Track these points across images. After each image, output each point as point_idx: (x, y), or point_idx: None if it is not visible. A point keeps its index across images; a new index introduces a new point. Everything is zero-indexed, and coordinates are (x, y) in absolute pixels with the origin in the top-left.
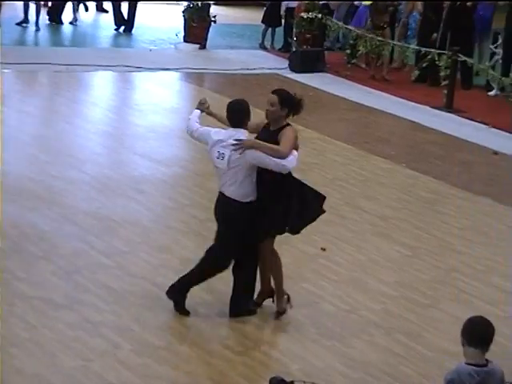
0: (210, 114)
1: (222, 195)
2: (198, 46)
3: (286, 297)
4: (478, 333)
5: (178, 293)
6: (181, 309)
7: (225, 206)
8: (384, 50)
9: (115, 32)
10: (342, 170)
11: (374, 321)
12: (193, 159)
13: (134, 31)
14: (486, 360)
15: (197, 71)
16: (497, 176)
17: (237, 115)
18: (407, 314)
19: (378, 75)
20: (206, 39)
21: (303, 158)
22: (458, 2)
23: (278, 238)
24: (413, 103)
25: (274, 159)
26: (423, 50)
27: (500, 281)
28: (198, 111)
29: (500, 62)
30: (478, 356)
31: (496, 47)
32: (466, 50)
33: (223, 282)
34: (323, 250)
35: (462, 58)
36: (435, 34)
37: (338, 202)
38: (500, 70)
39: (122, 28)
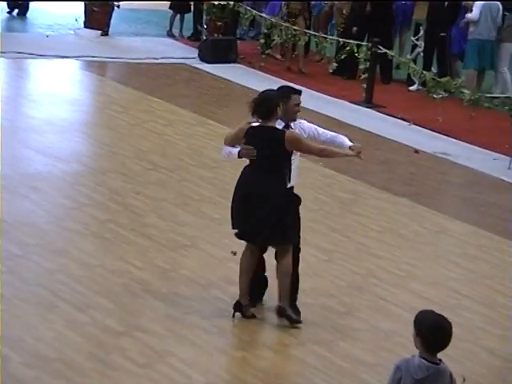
0: None
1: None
2: (99, 32)
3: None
4: (435, 341)
5: (291, 307)
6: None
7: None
8: (300, 40)
9: (8, 15)
10: None
11: (288, 330)
12: (94, 155)
13: (28, 15)
14: (439, 359)
15: (98, 60)
16: (417, 176)
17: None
18: (323, 323)
19: (293, 67)
20: (108, 25)
21: (214, 155)
22: None
23: (186, 240)
24: (330, 97)
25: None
26: (341, 40)
27: (419, 287)
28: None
29: (421, 54)
30: (430, 355)
31: (417, 39)
32: (385, 41)
33: (122, 286)
34: (234, 253)
35: (382, 50)
36: (355, 28)
37: None
38: (421, 63)
39: (16, 11)
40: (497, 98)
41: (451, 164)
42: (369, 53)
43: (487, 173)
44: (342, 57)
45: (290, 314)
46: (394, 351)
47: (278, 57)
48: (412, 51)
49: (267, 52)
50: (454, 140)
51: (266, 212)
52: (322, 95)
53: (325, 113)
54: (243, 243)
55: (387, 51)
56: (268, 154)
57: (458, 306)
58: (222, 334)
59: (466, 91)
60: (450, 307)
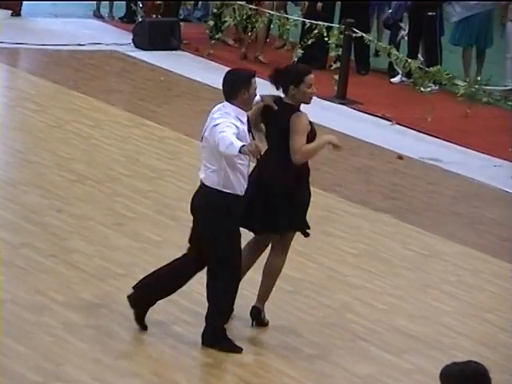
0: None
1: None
2: (9, 12)
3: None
4: None
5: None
6: None
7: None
8: (258, 21)
9: None
10: None
11: (241, 376)
12: (4, 164)
13: None
14: None
15: (8, 46)
16: (401, 187)
17: (225, 85)
18: (286, 368)
19: (250, 54)
20: (21, 4)
21: (152, 163)
22: None
23: (119, 268)
24: None
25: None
26: (308, 22)
27: (406, 323)
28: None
29: (406, 39)
30: None
31: (401, 20)
32: (361, 23)
33: (38, 326)
34: None
35: (358, 33)
36: (320, 4)
37: None
38: (406, 49)
39: None
40: (499, 90)
41: (442, 172)
42: (341, 37)
43: (486, 183)
44: (309, 42)
45: (262, 319)
46: None
47: (231, 42)
48: (394, 35)
49: (217, 37)
50: (445, 143)
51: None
52: None
53: None
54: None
55: (364, 35)
56: (276, 132)
57: (453, 346)
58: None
59: (460, 83)
60: (443, 348)
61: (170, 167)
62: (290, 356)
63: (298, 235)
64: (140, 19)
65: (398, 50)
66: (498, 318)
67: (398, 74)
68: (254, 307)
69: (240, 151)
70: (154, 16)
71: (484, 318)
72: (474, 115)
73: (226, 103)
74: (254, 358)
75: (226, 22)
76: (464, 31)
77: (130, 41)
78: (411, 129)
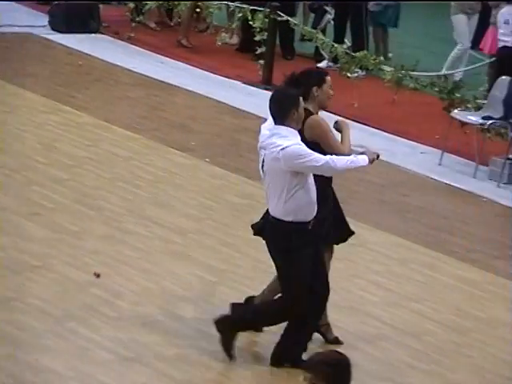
0: None
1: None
2: None
3: None
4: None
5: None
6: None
7: (271, 229)
8: (180, 4)
9: None
10: (123, 167)
11: (165, 372)
12: None
13: None
14: None
15: None
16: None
17: (273, 107)
18: (207, 362)
19: (178, 38)
20: None
21: (70, 150)
22: None
23: (35, 260)
24: (220, 77)
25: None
26: (231, 5)
27: (332, 313)
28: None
29: (332, 23)
30: None
31: (327, 4)
32: (286, 6)
33: None
34: (97, 276)
35: (283, 17)
36: None
37: (119, 210)
38: (333, 34)
39: None
40: (426, 76)
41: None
42: (266, 21)
43: (413, 170)
44: (234, 25)
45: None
46: None
47: (153, 26)
48: (318, 19)
49: (138, 20)
50: (372, 130)
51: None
52: (210, 74)
53: (214, 97)
54: (108, 263)
55: (289, 18)
56: None
57: (379, 336)
58: (80, 380)
59: (387, 68)
60: (369, 338)
61: (89, 155)
62: (211, 349)
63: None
64: (57, 0)
65: (324, 35)
66: (424, 308)
67: (325, 59)
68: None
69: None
70: None
71: (411, 308)
72: (401, 101)
73: (277, 127)
74: (176, 352)
75: (147, 4)
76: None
77: (46, 23)
78: (337, 115)
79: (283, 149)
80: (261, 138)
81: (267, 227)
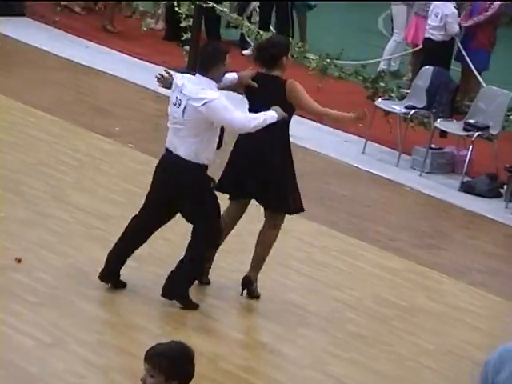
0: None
1: (169, 155)
2: None
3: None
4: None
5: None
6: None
7: (175, 169)
8: None
9: None
10: (46, 151)
11: (86, 357)
12: None
13: None
14: None
15: None
16: None
17: (202, 58)
18: (132, 348)
19: (99, 23)
20: None
21: None
22: None
23: None
24: (144, 63)
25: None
26: None
27: (252, 300)
28: None
29: (257, 11)
30: None
31: None
32: None
33: None
34: (18, 261)
35: (209, 3)
36: None
37: (42, 195)
38: (258, 21)
39: None
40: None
41: (294, 148)
42: (192, 7)
43: (337, 159)
44: (159, 11)
45: (254, 290)
46: None
47: (78, 10)
48: (243, 6)
49: (64, 4)
50: (298, 118)
51: (267, 171)
52: (135, 60)
53: (139, 82)
54: (29, 248)
55: (215, 5)
56: (268, 103)
57: (300, 323)
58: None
59: (311, 56)
60: (290, 325)
61: (11, 138)
62: (132, 334)
63: None
64: None
65: (250, 22)
66: (345, 295)
67: (250, 46)
68: (245, 276)
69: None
70: None
71: (332, 296)
72: (325, 90)
73: (201, 78)
74: (97, 338)
75: None
76: None
77: None
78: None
79: (206, 103)
80: (179, 82)
81: (175, 169)
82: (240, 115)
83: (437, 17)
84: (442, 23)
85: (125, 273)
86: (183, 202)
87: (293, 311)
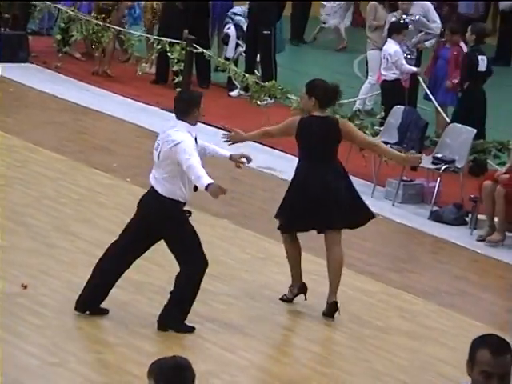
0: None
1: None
2: None
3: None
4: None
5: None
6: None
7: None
8: (104, 36)
9: None
10: (50, 186)
11: (87, 376)
12: None
13: None
14: None
15: None
16: (240, 194)
17: (178, 105)
18: (130, 367)
19: (98, 69)
20: None
21: (0, 171)
22: None
23: None
24: (140, 104)
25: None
26: (151, 38)
27: (241, 322)
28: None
29: (243, 55)
30: None
31: (239, 37)
32: (202, 39)
33: None
34: (24, 287)
35: (199, 49)
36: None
37: (46, 226)
38: (244, 65)
39: None
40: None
41: (278, 180)
42: (183, 52)
43: None
44: (153, 57)
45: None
46: None
47: (78, 56)
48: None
49: (65, 50)
50: (280, 153)
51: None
52: (131, 101)
53: (134, 122)
54: (34, 275)
55: (204, 51)
56: (322, 142)
57: (285, 343)
58: None
59: (293, 97)
60: (277, 345)
61: (18, 174)
62: (133, 356)
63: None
64: None
65: (236, 66)
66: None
67: (237, 88)
68: (333, 302)
69: (206, 189)
70: (3, 29)
71: (314, 317)
72: None
73: (178, 121)
74: (97, 357)
75: (73, 36)
76: None
77: None
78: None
79: (176, 145)
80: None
81: (156, 205)
82: (191, 161)
83: (385, 59)
84: (389, 64)
85: (124, 298)
86: (162, 235)
87: (279, 332)
